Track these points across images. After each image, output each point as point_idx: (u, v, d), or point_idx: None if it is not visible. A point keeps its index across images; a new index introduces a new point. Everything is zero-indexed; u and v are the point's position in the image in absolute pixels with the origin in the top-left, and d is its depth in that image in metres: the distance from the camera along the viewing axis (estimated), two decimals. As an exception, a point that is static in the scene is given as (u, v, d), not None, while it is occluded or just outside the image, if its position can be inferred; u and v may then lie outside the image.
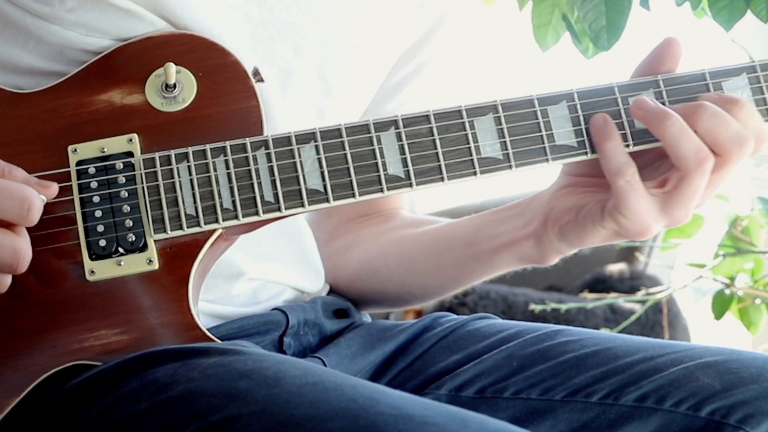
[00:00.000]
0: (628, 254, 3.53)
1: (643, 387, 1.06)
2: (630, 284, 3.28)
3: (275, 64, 1.12)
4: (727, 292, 2.15)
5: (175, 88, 1.03)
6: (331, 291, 1.30)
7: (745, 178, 2.49)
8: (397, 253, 1.29)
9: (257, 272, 1.16)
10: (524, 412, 1.10)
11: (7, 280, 0.95)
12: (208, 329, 1.01)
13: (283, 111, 1.13)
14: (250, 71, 1.05)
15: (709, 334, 3.58)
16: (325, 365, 1.12)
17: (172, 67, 1.02)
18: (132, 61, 1.04)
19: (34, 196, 0.92)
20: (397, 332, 1.21)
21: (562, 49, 1.64)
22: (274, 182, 1.01)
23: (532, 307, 2.39)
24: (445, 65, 1.32)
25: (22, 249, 0.92)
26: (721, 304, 2.16)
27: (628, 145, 1.04)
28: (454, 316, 1.25)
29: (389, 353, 1.19)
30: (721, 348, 1.09)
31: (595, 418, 1.07)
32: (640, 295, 2.36)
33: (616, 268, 3.48)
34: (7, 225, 0.93)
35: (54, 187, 0.98)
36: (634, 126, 1.06)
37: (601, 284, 3.37)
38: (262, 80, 1.09)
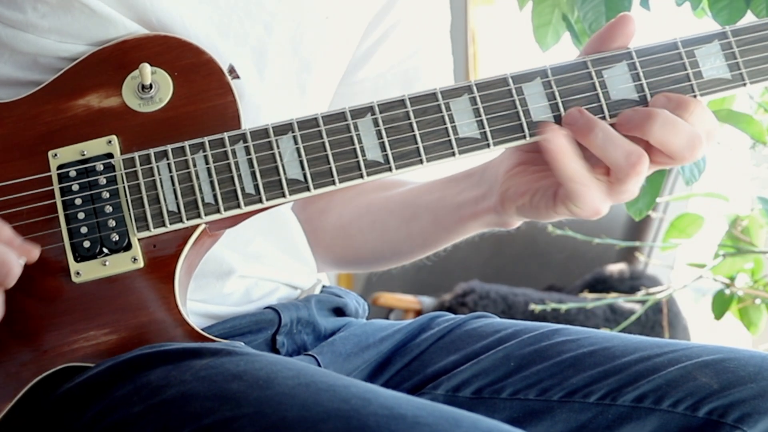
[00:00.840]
0: (628, 254, 3.53)
1: (641, 387, 1.06)
2: (630, 284, 3.28)
3: (248, 45, 1.13)
4: (727, 292, 2.14)
5: (152, 88, 1.04)
6: (324, 288, 1.30)
7: (745, 178, 2.48)
8: (370, 221, 1.31)
9: (248, 270, 1.16)
10: (522, 413, 1.10)
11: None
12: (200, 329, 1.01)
13: (265, 92, 1.14)
14: (225, 68, 1.06)
15: (709, 334, 3.58)
16: (319, 364, 1.12)
17: (147, 68, 1.02)
18: (107, 64, 1.05)
19: (13, 261, 0.94)
20: (394, 332, 1.20)
21: (562, 49, 1.64)
22: (254, 174, 1.02)
23: (532, 307, 2.39)
24: (414, 28, 1.33)
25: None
26: (721, 304, 2.16)
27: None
28: (452, 316, 1.25)
29: (386, 353, 1.19)
30: (718, 346, 1.09)
31: (593, 419, 1.07)
32: (640, 295, 2.36)
33: (616, 268, 3.47)
34: None
35: (36, 251, 0.98)
36: (609, 98, 1.05)
37: (601, 284, 3.37)
38: (238, 77, 1.10)
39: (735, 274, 2.14)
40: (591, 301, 2.42)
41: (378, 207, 1.31)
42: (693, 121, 1.03)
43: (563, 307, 2.38)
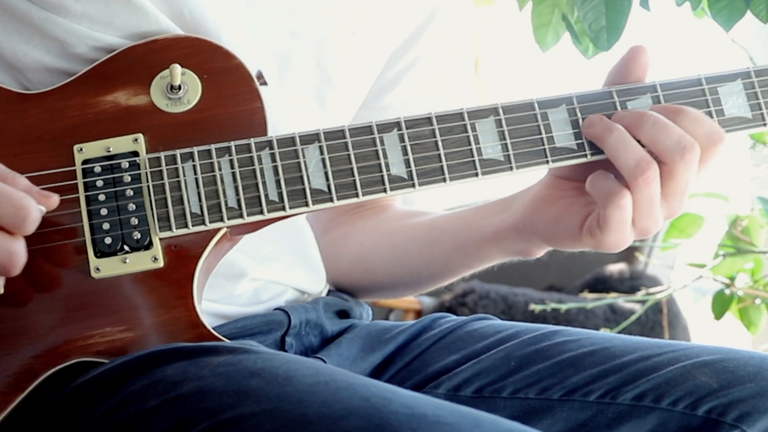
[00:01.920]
0: (628, 254, 3.54)
1: (641, 386, 1.07)
2: (630, 284, 3.29)
3: (272, 50, 1.13)
4: (727, 292, 2.15)
5: (180, 89, 1.04)
6: (331, 291, 1.31)
7: (745, 178, 2.49)
8: (391, 245, 1.31)
9: (259, 273, 1.17)
10: (522, 412, 1.11)
11: (0, 282, 0.95)
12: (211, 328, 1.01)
13: (283, 99, 1.14)
14: (254, 74, 1.06)
15: (709, 334, 3.58)
16: (326, 366, 1.13)
17: (177, 69, 1.03)
18: (137, 63, 1.05)
19: (32, 206, 0.92)
20: (397, 333, 1.21)
21: (562, 49, 1.65)
22: (278, 182, 1.02)
23: (532, 307, 2.40)
24: (441, 59, 1.33)
25: (16, 252, 0.92)
26: (721, 304, 2.16)
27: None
28: (453, 317, 1.26)
29: (389, 354, 1.20)
30: (718, 347, 1.10)
31: (592, 417, 1.08)
32: (640, 295, 2.37)
33: (616, 268, 3.49)
34: (4, 229, 0.93)
35: (54, 198, 0.97)
36: None
37: (601, 284, 3.38)
38: (265, 83, 1.10)
39: (735, 274, 2.15)
40: (591, 301, 2.43)
41: (401, 232, 1.31)
42: (687, 127, 1.04)
43: (563, 307, 2.39)
